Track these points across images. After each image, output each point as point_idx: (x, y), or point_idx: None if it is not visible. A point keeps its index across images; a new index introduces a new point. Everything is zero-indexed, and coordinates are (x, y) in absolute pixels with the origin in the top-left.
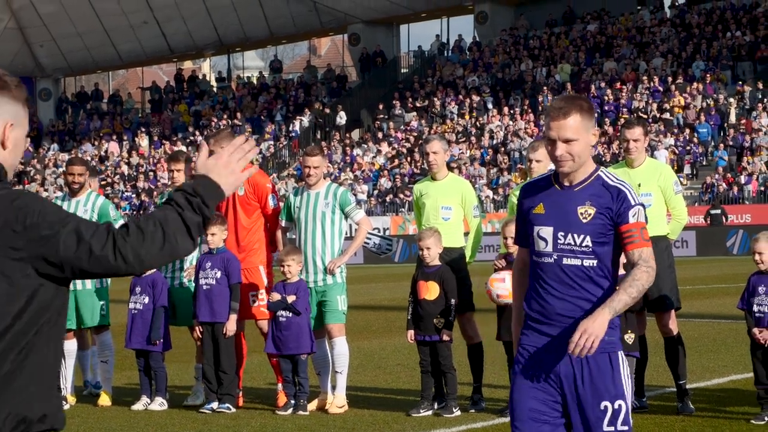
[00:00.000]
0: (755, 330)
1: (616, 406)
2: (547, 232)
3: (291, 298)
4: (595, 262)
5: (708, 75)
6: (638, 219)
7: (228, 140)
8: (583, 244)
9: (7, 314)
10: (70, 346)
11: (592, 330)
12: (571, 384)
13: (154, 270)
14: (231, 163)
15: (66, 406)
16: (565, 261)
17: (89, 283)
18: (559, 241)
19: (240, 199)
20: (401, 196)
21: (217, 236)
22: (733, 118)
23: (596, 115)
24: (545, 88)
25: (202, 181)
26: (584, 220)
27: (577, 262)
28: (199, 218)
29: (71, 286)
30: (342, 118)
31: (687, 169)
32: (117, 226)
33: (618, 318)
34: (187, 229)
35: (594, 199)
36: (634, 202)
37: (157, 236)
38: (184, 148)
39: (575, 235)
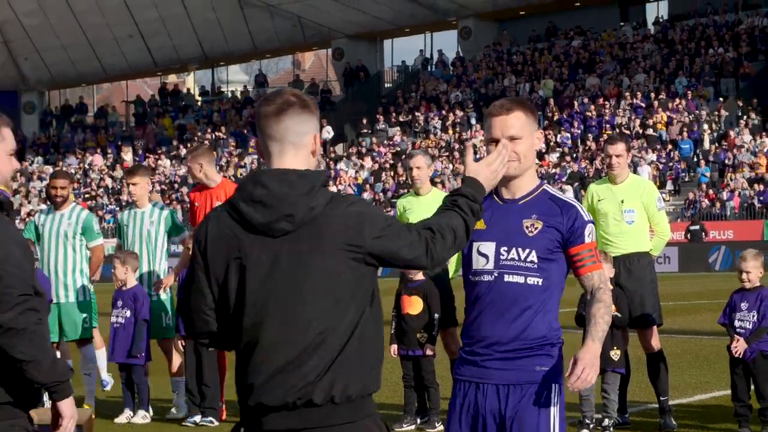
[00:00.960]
0: (733, 343)
1: None
2: (488, 247)
3: None
4: (540, 281)
5: (690, 91)
6: (592, 239)
7: (207, 155)
8: (528, 260)
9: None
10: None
11: (591, 362)
12: (505, 421)
13: (136, 284)
14: (494, 165)
15: None
16: (506, 278)
17: (72, 296)
18: (501, 256)
19: None
20: (384, 211)
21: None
22: (707, 141)
23: (579, 131)
24: (533, 102)
25: (474, 184)
26: (530, 234)
27: (521, 279)
28: (475, 220)
29: (54, 299)
30: (328, 132)
31: (669, 185)
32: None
33: (556, 348)
34: (467, 231)
35: (541, 213)
36: (587, 219)
37: (449, 241)
38: (167, 162)
39: (519, 250)
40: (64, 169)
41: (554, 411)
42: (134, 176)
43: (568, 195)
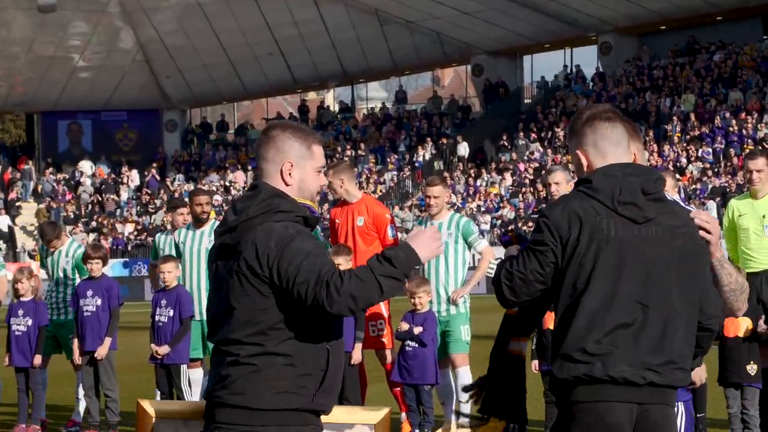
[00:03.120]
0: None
1: None
2: None
3: (418, 330)
4: None
5: None
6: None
7: (347, 172)
8: None
9: None
10: (198, 374)
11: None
12: None
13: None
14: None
15: None
16: None
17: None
18: None
19: (359, 230)
20: (525, 227)
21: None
22: None
23: (721, 146)
24: (674, 117)
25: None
26: None
27: None
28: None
29: (198, 317)
30: (465, 148)
31: None
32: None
33: None
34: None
35: None
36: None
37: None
38: None
39: None
40: (206, 187)
41: None
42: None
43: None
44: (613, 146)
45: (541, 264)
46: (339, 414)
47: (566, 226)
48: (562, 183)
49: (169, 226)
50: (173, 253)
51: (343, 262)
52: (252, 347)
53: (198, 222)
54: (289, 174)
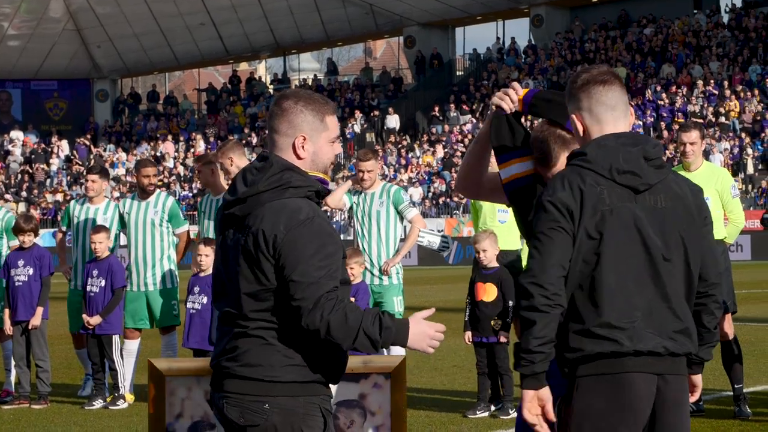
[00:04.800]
0: None
1: None
2: None
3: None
4: None
5: (765, 79)
6: None
7: (236, 150)
8: None
9: None
10: (135, 345)
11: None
12: None
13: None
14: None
15: (124, 405)
16: None
17: (160, 283)
18: None
19: None
20: (456, 198)
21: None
22: None
23: (652, 119)
24: None
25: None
26: None
27: None
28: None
29: (143, 287)
30: (396, 120)
31: (742, 174)
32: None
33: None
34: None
35: None
36: None
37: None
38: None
39: None
40: (137, 157)
41: None
42: (199, 165)
43: None
44: (609, 111)
45: (563, 247)
46: (355, 364)
47: (573, 201)
48: None
49: (85, 194)
50: (81, 222)
51: (356, 266)
52: (260, 321)
53: (144, 193)
54: (302, 147)
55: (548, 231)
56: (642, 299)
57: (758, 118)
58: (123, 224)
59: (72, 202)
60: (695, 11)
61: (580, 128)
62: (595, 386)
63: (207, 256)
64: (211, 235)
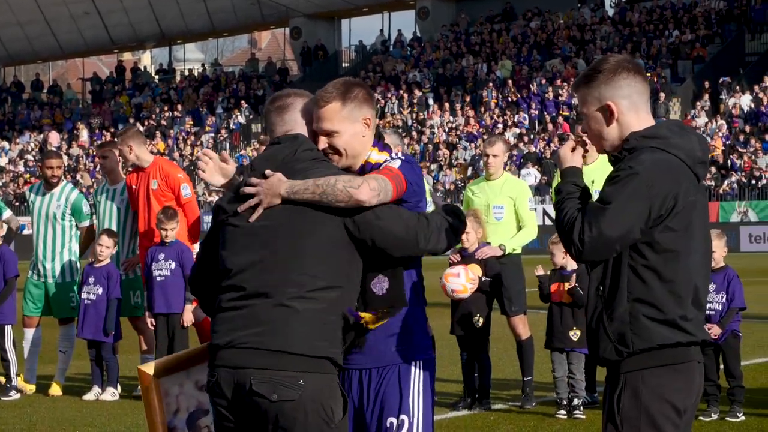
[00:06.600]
0: (706, 326)
1: (399, 422)
2: None
3: None
4: None
5: (648, 73)
6: None
7: (135, 138)
8: None
9: None
10: (35, 334)
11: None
12: (364, 405)
13: (109, 261)
14: None
15: (17, 396)
16: None
17: (60, 276)
18: None
19: (154, 193)
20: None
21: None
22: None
23: (536, 112)
24: (490, 83)
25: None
26: None
27: None
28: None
29: (42, 279)
30: (249, 112)
31: None
32: None
33: (411, 324)
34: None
35: None
36: None
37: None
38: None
39: None
40: (21, 146)
41: (414, 386)
42: (107, 150)
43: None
44: (643, 99)
45: (638, 216)
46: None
47: (664, 180)
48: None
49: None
50: None
51: (175, 226)
52: (294, 290)
53: (48, 185)
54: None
55: (632, 199)
56: (704, 294)
57: None
58: (28, 211)
59: None
60: (579, 5)
61: (615, 115)
62: (667, 374)
63: (108, 248)
64: (107, 225)
